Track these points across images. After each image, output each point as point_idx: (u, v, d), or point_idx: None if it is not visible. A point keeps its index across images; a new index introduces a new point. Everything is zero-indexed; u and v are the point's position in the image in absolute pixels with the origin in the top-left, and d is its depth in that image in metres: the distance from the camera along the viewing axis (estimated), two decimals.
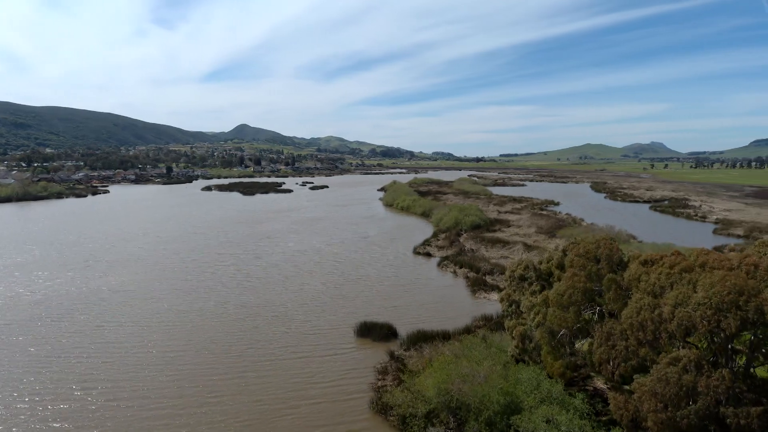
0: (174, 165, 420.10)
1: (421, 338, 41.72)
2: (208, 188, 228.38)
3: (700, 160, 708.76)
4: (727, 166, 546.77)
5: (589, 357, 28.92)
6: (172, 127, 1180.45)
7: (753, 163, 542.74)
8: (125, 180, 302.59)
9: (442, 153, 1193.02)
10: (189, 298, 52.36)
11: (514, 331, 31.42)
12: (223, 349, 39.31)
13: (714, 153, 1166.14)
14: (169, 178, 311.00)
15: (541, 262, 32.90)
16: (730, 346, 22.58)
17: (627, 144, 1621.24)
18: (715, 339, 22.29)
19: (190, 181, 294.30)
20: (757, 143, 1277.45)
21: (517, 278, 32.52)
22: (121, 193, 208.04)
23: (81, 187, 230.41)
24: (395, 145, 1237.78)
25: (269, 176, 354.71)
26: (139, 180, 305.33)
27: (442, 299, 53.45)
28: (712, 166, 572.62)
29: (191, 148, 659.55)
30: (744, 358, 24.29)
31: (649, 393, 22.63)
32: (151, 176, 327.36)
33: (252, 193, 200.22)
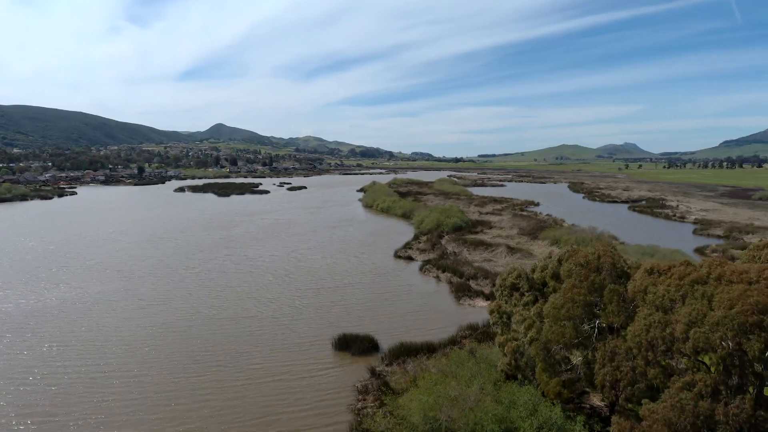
0: (147, 165, 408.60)
1: (404, 352, 38.89)
2: (181, 189, 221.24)
3: (672, 161, 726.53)
4: (699, 167, 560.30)
5: (585, 370, 26.50)
6: (145, 126, 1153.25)
7: (724, 164, 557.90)
8: (95, 181, 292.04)
9: (421, 153, 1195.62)
10: (153, 311, 48.33)
11: (505, 347, 28.78)
12: (188, 370, 35.62)
13: (685, 153, 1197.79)
14: (140, 179, 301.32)
15: (534, 270, 30.34)
16: (750, 370, 20.28)
17: (601, 145, 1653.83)
18: (735, 362, 19.98)
19: (163, 182, 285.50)
20: (727, 144, 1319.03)
21: (509, 288, 29.89)
22: (89, 195, 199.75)
23: (48, 188, 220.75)
24: (374, 146, 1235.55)
25: (246, 177, 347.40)
26: (109, 181, 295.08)
27: (426, 307, 50.70)
28: (684, 167, 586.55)
29: (165, 148, 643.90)
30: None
31: (662, 421, 20.18)
32: (122, 177, 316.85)
33: (227, 195, 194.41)
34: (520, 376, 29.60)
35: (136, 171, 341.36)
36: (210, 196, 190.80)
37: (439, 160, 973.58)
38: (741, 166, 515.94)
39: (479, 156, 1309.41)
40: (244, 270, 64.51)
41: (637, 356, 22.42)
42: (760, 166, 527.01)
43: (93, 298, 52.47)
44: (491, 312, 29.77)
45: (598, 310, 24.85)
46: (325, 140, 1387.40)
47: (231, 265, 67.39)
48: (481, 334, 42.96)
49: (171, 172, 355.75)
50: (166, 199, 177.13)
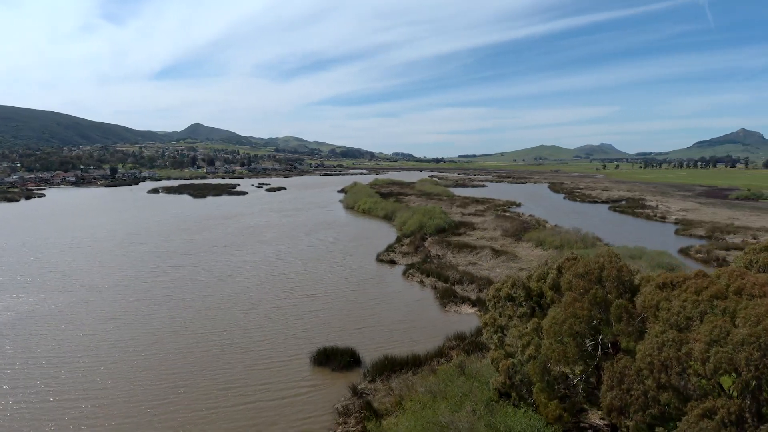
0: (120, 166, 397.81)
1: (387, 366, 36.11)
2: (155, 190, 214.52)
3: (648, 161, 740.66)
4: (674, 166, 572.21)
5: (583, 386, 24.20)
6: (120, 126, 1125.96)
7: (698, 164, 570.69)
8: (65, 182, 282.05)
9: (402, 153, 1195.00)
10: (115, 326, 44.49)
11: (499, 365, 26.26)
12: (148, 394, 32.12)
13: (660, 154, 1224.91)
14: (113, 180, 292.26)
15: (529, 278, 27.92)
16: None
17: (579, 145, 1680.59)
18: (763, 385, 17.80)
19: (137, 183, 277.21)
20: (700, 144, 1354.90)
21: (503, 298, 27.40)
22: (58, 197, 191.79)
23: (15, 190, 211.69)
24: (355, 146, 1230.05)
25: (223, 177, 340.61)
26: (80, 182, 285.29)
27: (410, 315, 48.02)
28: (660, 167, 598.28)
29: (140, 148, 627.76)
30: None
31: None
32: (94, 178, 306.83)
33: (203, 196, 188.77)
34: (514, 395, 27.16)
35: (108, 172, 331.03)
36: (185, 198, 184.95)
37: (420, 160, 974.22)
38: (715, 166, 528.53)
39: (460, 156, 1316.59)
40: (215, 278, 60.80)
41: (648, 378, 20.13)
42: (733, 166, 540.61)
43: (50, 311, 48.27)
44: (484, 325, 27.23)
45: (603, 325, 22.53)
46: (305, 140, 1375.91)
47: (202, 272, 63.54)
48: (469, 344, 40.55)
49: (145, 173, 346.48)
50: (138, 202, 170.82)
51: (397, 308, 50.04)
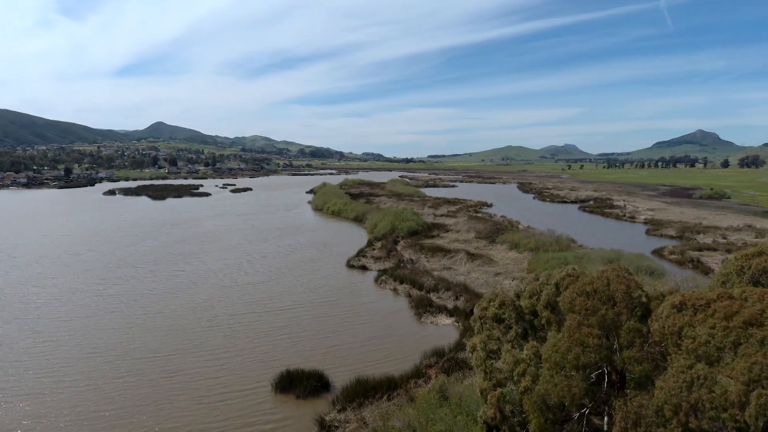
0: (76, 166, 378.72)
1: (359, 391, 32.12)
2: (111, 192, 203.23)
3: (610, 161, 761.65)
4: (636, 166, 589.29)
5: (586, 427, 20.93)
6: (77, 125, 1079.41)
7: (659, 164, 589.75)
8: (15, 183, 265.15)
9: (372, 154, 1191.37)
10: (49, 350, 38.78)
11: (489, 396, 22.70)
12: None
13: (621, 154, 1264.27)
14: (67, 181, 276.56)
15: (519, 296, 24.50)
16: None
17: (544, 146, 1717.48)
18: None
19: (92, 184, 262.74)
20: (659, 145, 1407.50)
21: (491, 319, 23.88)
22: (5, 200, 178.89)
23: None
24: (325, 146, 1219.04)
25: (186, 178, 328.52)
26: (32, 183, 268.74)
27: (383, 329, 44.14)
28: (623, 166, 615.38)
29: (98, 147, 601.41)
30: None
31: None
32: (47, 179, 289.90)
33: (162, 198, 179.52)
34: (505, 429, 23.69)
35: (62, 173, 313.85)
36: (143, 200, 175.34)
37: (390, 160, 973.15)
38: (675, 166, 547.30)
39: (429, 156, 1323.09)
40: (168, 291, 55.16)
41: (672, 420, 16.91)
42: (692, 165, 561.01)
43: None
44: (471, 349, 23.63)
45: (613, 352, 19.26)
46: (273, 140, 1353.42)
47: (153, 285, 57.69)
48: (448, 361, 37.12)
49: (102, 174, 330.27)
50: (91, 204, 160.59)
51: (369, 321, 46.08)
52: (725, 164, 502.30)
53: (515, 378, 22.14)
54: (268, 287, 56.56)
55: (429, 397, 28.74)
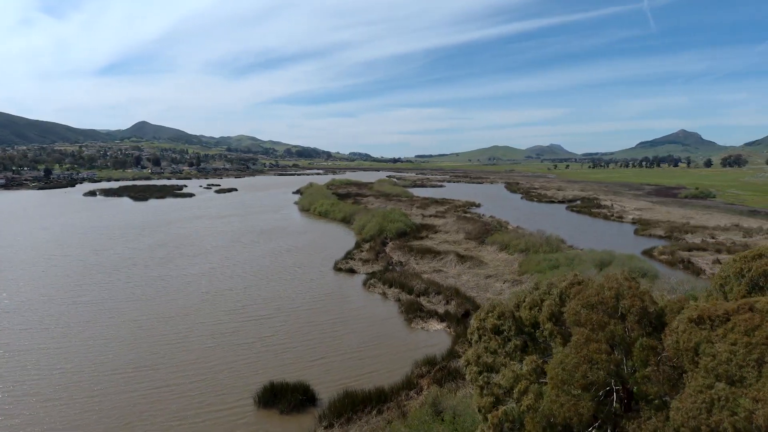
0: (57, 166, 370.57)
1: (347, 405, 30.31)
2: (92, 193, 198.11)
3: (595, 161, 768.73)
4: (620, 166, 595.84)
5: None
6: (59, 124, 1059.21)
7: (643, 163, 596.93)
8: None
9: (360, 153, 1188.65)
10: (13, 366, 36.26)
11: (490, 416, 21.05)
12: None
13: (606, 154, 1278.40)
14: (47, 182, 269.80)
15: (518, 305, 22.90)
16: None
17: (530, 146, 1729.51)
18: None
19: (73, 185, 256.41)
20: (642, 145, 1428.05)
21: (489, 331, 22.24)
22: None
23: None
24: (312, 145, 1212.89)
25: (169, 178, 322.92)
26: (10, 184, 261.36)
27: (373, 336, 42.38)
28: (607, 166, 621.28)
29: (80, 147, 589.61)
30: None
31: None
32: (26, 180, 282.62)
33: (145, 199, 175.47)
34: None
35: (42, 173, 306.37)
36: (125, 201, 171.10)
37: (378, 160, 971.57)
38: (659, 166, 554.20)
39: (416, 156, 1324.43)
40: (146, 298, 52.67)
41: None
42: (676, 165, 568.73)
43: None
44: (467, 364, 21.95)
45: (624, 370, 17.77)
46: (259, 140, 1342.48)
47: (131, 291, 55.06)
48: (440, 371, 35.52)
49: (84, 174, 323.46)
50: (70, 205, 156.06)
51: (357, 329, 44.26)
52: (708, 164, 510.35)
53: (516, 395, 20.55)
54: (252, 293, 54.35)
55: (422, 412, 27.05)
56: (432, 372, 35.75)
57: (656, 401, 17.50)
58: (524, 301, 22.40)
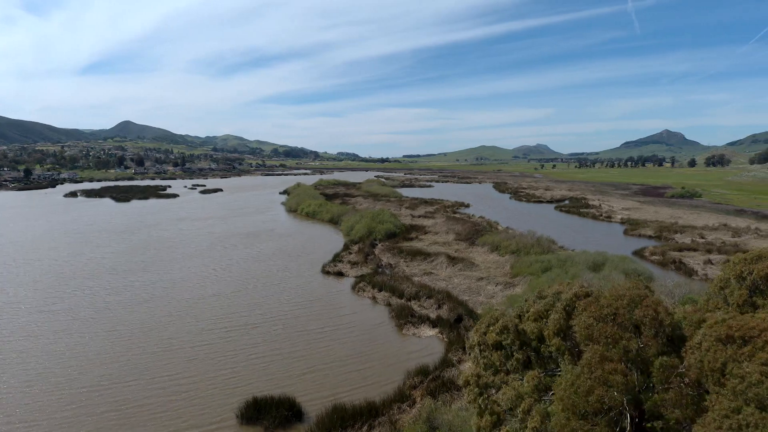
0: (38, 167, 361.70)
1: (336, 420, 28.57)
2: (73, 194, 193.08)
3: (581, 161, 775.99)
4: (606, 166, 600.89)
5: None
6: (41, 124, 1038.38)
7: (628, 163, 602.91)
8: None
9: (347, 153, 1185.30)
10: None
11: None
12: None
13: (591, 154, 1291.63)
14: (27, 183, 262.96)
15: (521, 316, 21.29)
16: None
17: (516, 146, 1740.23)
18: None
19: (54, 186, 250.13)
20: (627, 144, 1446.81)
21: (490, 347, 20.60)
22: None
23: None
24: (299, 145, 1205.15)
25: (153, 178, 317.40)
26: None
27: (363, 344, 40.59)
28: (593, 166, 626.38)
29: (62, 147, 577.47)
30: None
31: None
32: (5, 180, 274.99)
33: (127, 200, 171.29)
34: None
35: (22, 174, 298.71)
36: (106, 202, 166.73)
37: (366, 160, 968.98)
38: (644, 165, 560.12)
39: (404, 156, 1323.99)
40: (124, 305, 50.16)
41: None
42: (660, 164, 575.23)
43: None
44: (465, 383, 20.29)
45: (641, 392, 16.25)
46: (246, 139, 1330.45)
47: (106, 298, 52.41)
48: (434, 381, 33.88)
49: (65, 174, 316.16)
50: (50, 206, 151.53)
51: (346, 336, 42.41)
52: (692, 163, 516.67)
53: (519, 415, 18.95)
54: (237, 300, 52.13)
55: (415, 429, 25.35)
56: (425, 382, 34.10)
57: (674, 425, 16.01)
58: (528, 312, 20.80)
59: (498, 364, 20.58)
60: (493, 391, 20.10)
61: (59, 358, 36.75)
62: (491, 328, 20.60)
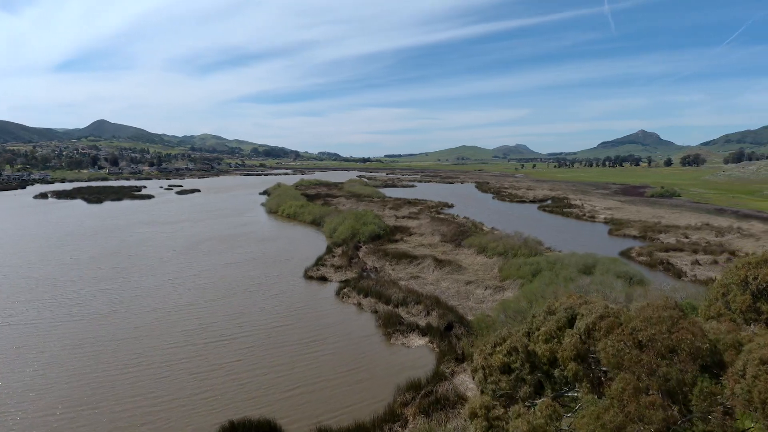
0: (8, 167, 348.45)
1: None
2: (43, 195, 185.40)
3: (559, 160, 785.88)
4: (584, 165, 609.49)
5: None
6: (13, 123, 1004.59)
7: (605, 163, 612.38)
8: None
9: (329, 153, 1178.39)
10: None
11: None
12: None
13: (569, 154, 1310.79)
14: None
15: (530, 334, 19.11)
16: None
17: (496, 146, 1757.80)
18: None
19: (24, 187, 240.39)
20: (604, 144, 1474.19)
21: (497, 370, 18.37)
22: None
23: None
24: (279, 145, 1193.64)
25: (128, 179, 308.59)
26: None
27: (349, 357, 38.01)
28: (572, 165, 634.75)
29: (33, 147, 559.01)
30: None
31: None
32: None
33: (99, 201, 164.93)
34: None
35: None
36: (78, 203, 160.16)
37: (347, 160, 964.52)
38: (621, 165, 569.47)
39: (386, 156, 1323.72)
40: (91, 317, 46.46)
41: None
42: (637, 164, 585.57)
43: None
44: (472, 415, 17.98)
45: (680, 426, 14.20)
46: (225, 139, 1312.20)
47: (74, 309, 48.49)
48: (426, 397, 31.52)
49: (36, 175, 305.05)
50: (18, 209, 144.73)
51: (330, 349, 39.75)
52: (668, 163, 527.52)
53: None
54: (214, 309, 48.90)
55: None
56: (417, 399, 31.72)
57: None
58: (539, 330, 18.63)
59: (507, 388, 18.37)
60: (502, 423, 17.89)
61: (15, 377, 33.23)
62: (497, 348, 18.39)
